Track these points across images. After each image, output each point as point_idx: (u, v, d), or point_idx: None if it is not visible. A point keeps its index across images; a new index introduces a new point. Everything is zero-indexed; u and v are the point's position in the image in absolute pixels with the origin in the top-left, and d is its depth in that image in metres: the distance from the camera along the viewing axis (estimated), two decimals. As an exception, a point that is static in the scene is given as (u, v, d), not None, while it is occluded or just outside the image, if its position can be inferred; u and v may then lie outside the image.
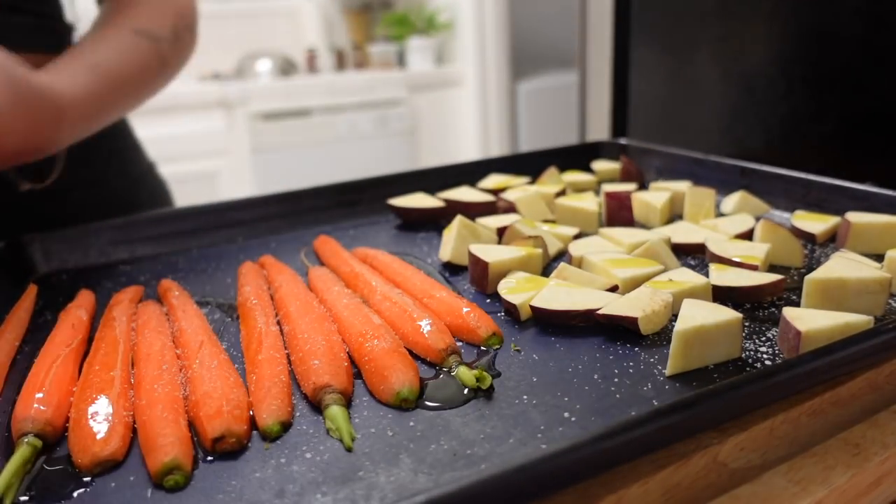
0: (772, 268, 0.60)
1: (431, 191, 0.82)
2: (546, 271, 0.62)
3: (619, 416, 0.39)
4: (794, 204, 0.73)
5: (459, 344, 0.49)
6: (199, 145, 2.60)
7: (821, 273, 0.50)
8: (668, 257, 0.61)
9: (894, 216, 0.62)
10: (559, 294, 0.51)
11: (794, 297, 0.54)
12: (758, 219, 0.67)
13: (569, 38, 2.55)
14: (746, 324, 0.50)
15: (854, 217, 0.62)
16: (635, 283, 0.54)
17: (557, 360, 0.46)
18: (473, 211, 0.76)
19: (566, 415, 0.40)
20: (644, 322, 0.48)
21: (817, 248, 0.65)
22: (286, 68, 2.95)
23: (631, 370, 0.44)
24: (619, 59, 1.22)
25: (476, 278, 0.58)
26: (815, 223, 0.66)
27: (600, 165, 0.92)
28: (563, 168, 0.92)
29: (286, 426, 0.40)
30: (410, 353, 0.47)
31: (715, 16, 1.04)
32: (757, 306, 0.53)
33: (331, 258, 0.65)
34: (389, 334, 0.47)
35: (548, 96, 3.12)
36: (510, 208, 0.76)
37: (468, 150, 3.22)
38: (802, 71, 0.93)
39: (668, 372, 0.44)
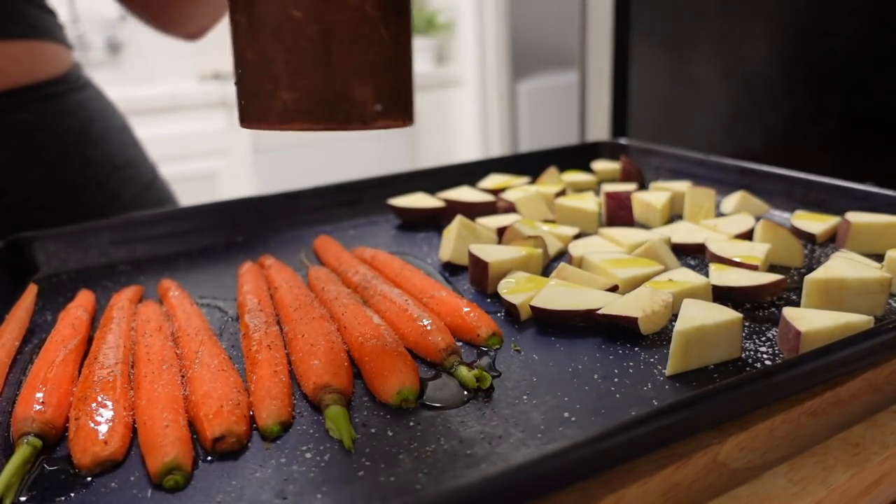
0: (772, 268, 0.60)
1: (431, 191, 0.82)
2: (546, 271, 0.62)
3: (619, 416, 0.39)
4: (794, 204, 0.73)
5: (459, 344, 0.49)
6: (199, 145, 2.60)
7: (821, 273, 0.50)
8: (668, 257, 0.61)
9: (894, 216, 0.62)
10: (559, 294, 0.51)
11: (794, 297, 0.54)
12: (758, 219, 0.67)
13: (569, 38, 2.55)
14: (746, 324, 0.50)
15: (854, 217, 0.62)
16: (635, 283, 0.54)
17: (557, 360, 0.46)
18: (473, 211, 0.76)
19: (566, 415, 0.40)
20: (644, 322, 0.48)
21: (817, 248, 0.65)
22: (286, 68, 2.94)
23: (631, 370, 0.44)
24: (619, 59, 1.22)
25: (476, 278, 0.58)
26: (815, 223, 0.66)
27: (600, 165, 0.92)
28: (563, 168, 0.92)
29: (286, 426, 0.40)
30: (410, 353, 0.47)
31: (715, 15, 1.04)
32: (757, 306, 0.53)
33: (331, 258, 0.65)
34: (389, 334, 0.47)
35: (548, 96, 3.12)
36: (510, 208, 0.76)
37: (468, 150, 3.22)
38: (802, 71, 0.93)
39: (668, 372, 0.44)
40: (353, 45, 0.32)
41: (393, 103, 0.34)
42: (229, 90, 2.62)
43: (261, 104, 0.33)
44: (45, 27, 0.77)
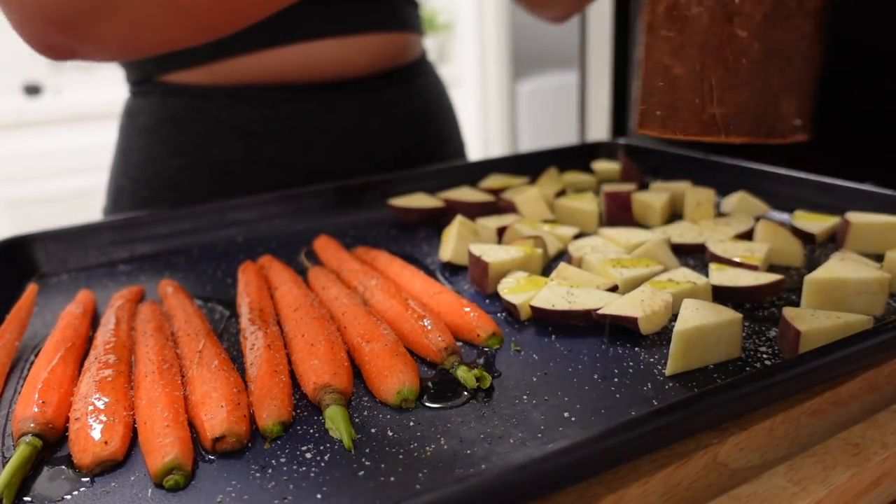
0: (772, 268, 0.60)
1: (431, 191, 0.82)
2: (546, 271, 0.62)
3: (619, 416, 0.39)
4: (794, 204, 0.73)
5: (459, 344, 0.49)
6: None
7: (821, 273, 0.50)
8: (668, 257, 0.61)
9: (894, 216, 0.62)
10: (559, 294, 0.51)
11: (794, 297, 0.54)
12: (758, 219, 0.67)
13: (569, 38, 2.55)
14: (746, 324, 0.50)
15: (854, 217, 0.62)
16: (635, 283, 0.54)
17: (557, 360, 0.46)
18: (473, 211, 0.76)
19: (566, 415, 0.40)
20: (644, 322, 0.48)
21: (817, 248, 0.65)
22: (286, 68, 2.94)
23: (631, 370, 0.44)
24: (619, 59, 1.22)
25: (476, 278, 0.58)
26: (815, 223, 0.66)
27: (600, 165, 0.92)
28: (563, 168, 0.92)
29: (286, 426, 0.40)
30: (410, 352, 0.47)
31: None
32: (757, 306, 0.53)
33: (331, 258, 0.65)
34: (389, 334, 0.47)
35: (548, 96, 3.12)
36: (510, 208, 0.76)
37: (468, 151, 3.22)
38: (802, 71, 0.93)
39: (668, 372, 0.44)
40: (790, 63, 0.33)
41: (806, 118, 0.35)
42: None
43: (683, 116, 0.34)
44: (412, 20, 0.91)
